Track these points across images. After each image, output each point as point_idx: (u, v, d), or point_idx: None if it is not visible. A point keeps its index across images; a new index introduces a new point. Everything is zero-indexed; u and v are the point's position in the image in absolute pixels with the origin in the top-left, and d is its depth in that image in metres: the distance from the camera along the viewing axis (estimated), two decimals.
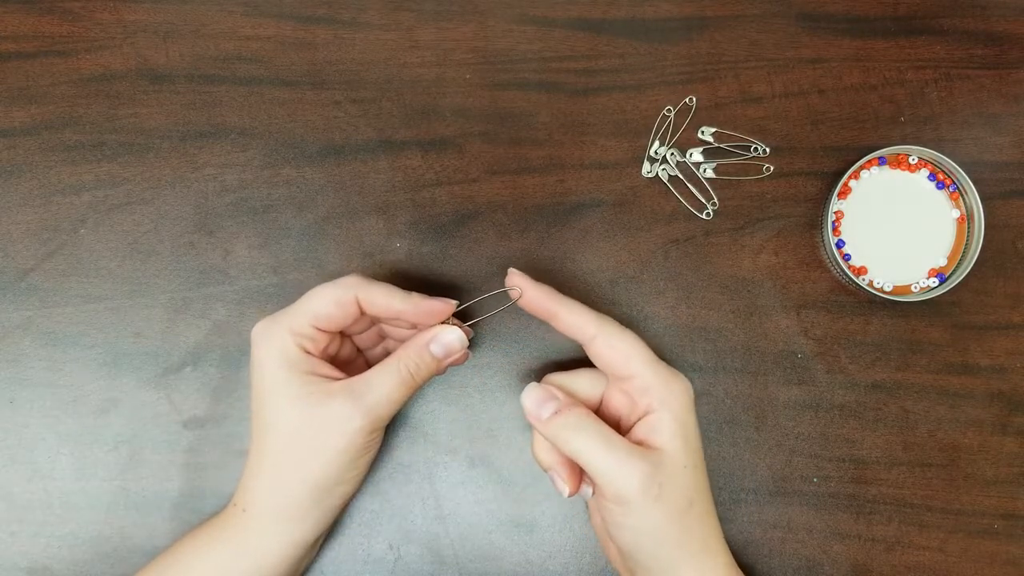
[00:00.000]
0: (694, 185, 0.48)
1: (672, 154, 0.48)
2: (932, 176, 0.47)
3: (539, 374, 0.47)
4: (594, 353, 0.39)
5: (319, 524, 0.40)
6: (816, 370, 0.47)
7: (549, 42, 0.49)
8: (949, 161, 0.46)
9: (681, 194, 0.48)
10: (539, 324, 0.47)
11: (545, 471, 0.40)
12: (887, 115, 0.48)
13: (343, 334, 0.42)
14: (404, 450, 0.46)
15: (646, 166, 0.48)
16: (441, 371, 0.41)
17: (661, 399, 0.38)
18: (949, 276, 0.47)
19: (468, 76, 0.48)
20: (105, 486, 0.45)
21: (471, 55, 0.49)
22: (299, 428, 0.38)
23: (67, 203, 0.47)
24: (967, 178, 0.46)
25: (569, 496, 0.39)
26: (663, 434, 0.37)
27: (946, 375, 0.47)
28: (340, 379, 0.39)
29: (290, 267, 0.47)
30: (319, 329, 0.39)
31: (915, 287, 0.47)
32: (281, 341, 0.38)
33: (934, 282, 0.47)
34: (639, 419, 0.39)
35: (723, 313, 0.47)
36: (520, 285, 0.39)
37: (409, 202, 0.47)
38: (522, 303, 0.39)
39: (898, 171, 0.48)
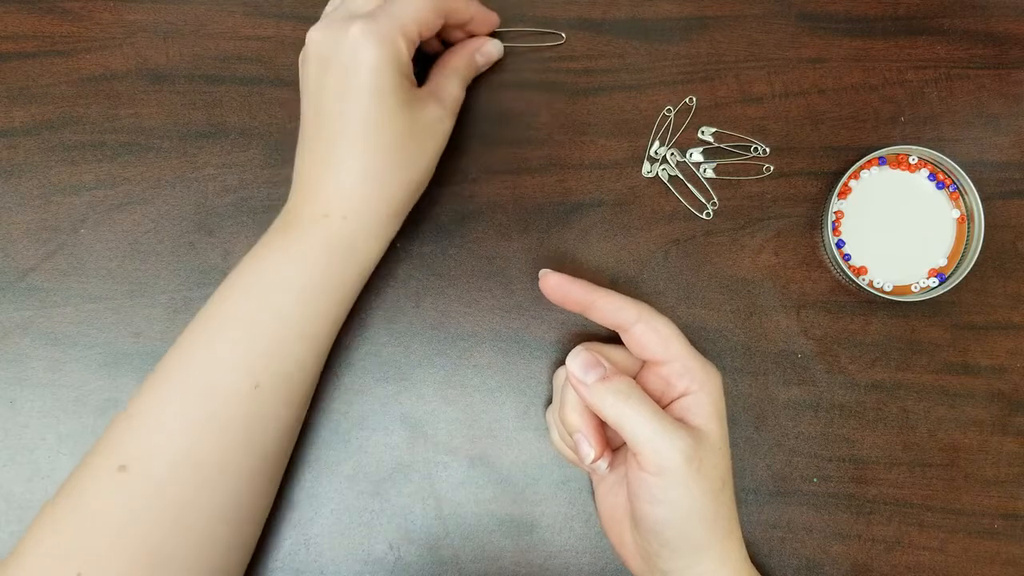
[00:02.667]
0: (694, 185, 0.48)
1: (672, 154, 0.48)
2: (932, 176, 0.47)
3: (541, 373, 0.47)
4: (634, 338, 0.39)
5: (403, 219, 0.43)
6: (816, 370, 0.47)
7: (559, 41, 0.49)
8: (949, 161, 0.46)
9: (681, 194, 0.48)
10: (539, 324, 0.47)
11: (570, 435, 0.40)
12: (887, 115, 0.48)
13: None
14: (404, 450, 0.46)
15: (646, 166, 0.48)
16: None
17: (700, 381, 0.39)
18: (949, 276, 0.47)
19: None
20: None
21: None
22: (406, 130, 0.40)
23: (67, 203, 0.47)
24: (967, 178, 0.46)
25: (592, 462, 0.39)
26: (701, 415, 0.38)
27: (946, 375, 0.47)
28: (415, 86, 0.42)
29: None
30: (415, 41, 0.40)
31: (915, 287, 0.47)
32: (397, 46, 0.39)
33: (934, 282, 0.47)
34: (673, 401, 0.39)
35: (723, 313, 0.47)
36: (556, 282, 0.40)
37: None
38: (559, 298, 0.40)
39: (898, 171, 0.48)
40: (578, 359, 0.38)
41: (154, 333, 0.47)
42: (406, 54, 0.40)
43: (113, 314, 0.47)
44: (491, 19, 0.46)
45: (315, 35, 0.40)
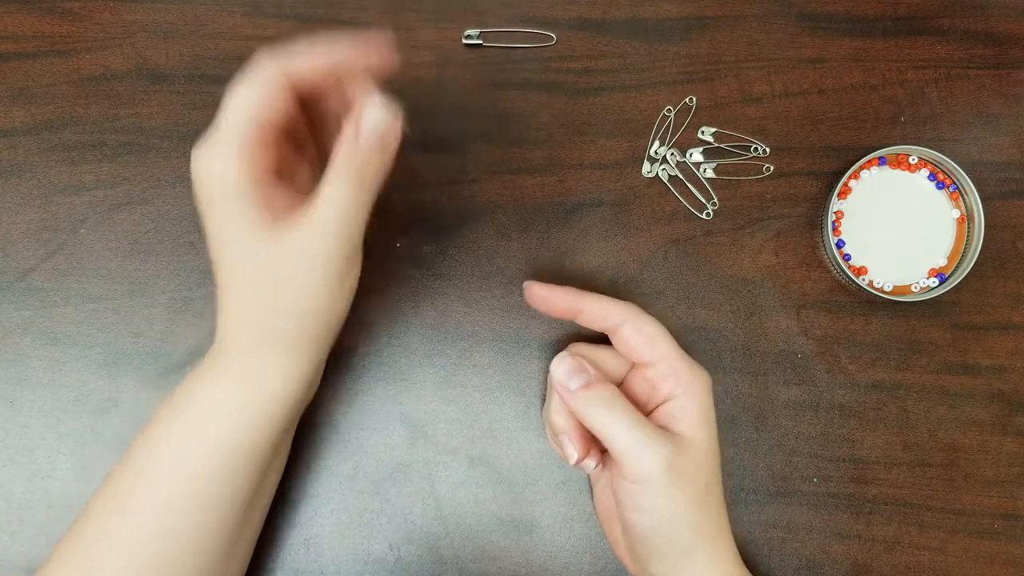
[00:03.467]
0: (694, 185, 0.48)
1: (672, 154, 0.48)
2: (932, 176, 0.47)
3: (541, 373, 0.47)
4: (622, 339, 0.39)
5: (319, 352, 0.37)
6: (816, 370, 0.47)
7: (549, 42, 0.49)
8: (949, 161, 0.46)
9: (681, 194, 0.48)
10: (539, 324, 0.47)
11: (555, 435, 0.40)
12: (887, 115, 0.48)
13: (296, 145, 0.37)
14: (404, 450, 0.46)
15: (646, 166, 0.48)
16: (389, 161, 0.34)
17: (686, 385, 0.38)
18: (949, 276, 0.47)
19: (468, 76, 0.48)
20: None
21: (471, 55, 0.49)
22: (269, 262, 0.33)
23: (67, 203, 0.47)
24: (967, 178, 0.46)
25: (575, 463, 0.39)
26: (686, 420, 0.38)
27: (946, 375, 0.47)
28: (292, 206, 0.34)
29: None
30: (262, 139, 0.33)
31: (915, 287, 0.47)
32: (233, 164, 0.32)
33: (934, 282, 0.47)
34: (658, 406, 0.39)
35: (723, 313, 0.47)
36: (541, 293, 0.40)
37: (409, 202, 0.47)
38: (547, 308, 0.40)
39: (898, 171, 0.48)
40: (563, 364, 0.38)
41: (154, 333, 0.47)
42: (248, 171, 0.33)
43: (113, 314, 0.47)
44: (371, 49, 0.34)
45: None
